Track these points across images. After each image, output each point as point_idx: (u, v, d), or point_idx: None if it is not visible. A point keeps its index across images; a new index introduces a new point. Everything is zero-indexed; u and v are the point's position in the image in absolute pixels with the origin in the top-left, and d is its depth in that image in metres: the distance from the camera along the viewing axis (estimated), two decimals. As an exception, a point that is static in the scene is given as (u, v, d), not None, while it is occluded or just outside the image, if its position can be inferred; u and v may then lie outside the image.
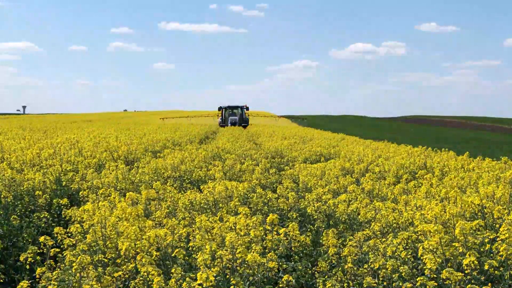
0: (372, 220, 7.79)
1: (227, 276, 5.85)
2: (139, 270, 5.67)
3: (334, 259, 6.65)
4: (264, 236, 6.81)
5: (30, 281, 5.81)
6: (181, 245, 6.54)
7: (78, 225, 7.17)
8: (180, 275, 5.44)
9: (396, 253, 6.19)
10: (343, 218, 8.48)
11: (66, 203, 9.74)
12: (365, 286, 5.78)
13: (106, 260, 6.27)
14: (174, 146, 23.59)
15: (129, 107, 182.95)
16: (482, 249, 6.12)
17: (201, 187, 9.78)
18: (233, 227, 6.88)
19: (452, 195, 7.77)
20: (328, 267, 6.56)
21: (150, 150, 20.61)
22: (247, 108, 63.70)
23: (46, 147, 17.30)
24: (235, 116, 61.82)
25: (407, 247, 6.38)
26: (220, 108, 63.57)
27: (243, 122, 60.88)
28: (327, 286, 5.71)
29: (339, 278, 6.16)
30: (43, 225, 9.01)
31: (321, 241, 7.20)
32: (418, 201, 8.31)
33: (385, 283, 5.91)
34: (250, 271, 5.85)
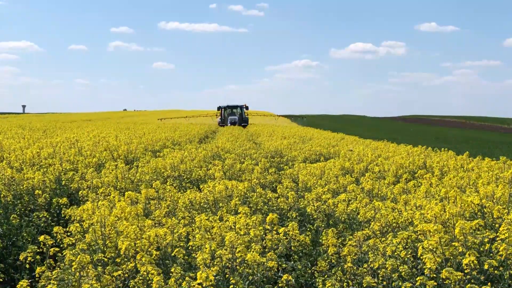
0: (372, 220, 7.79)
1: (227, 276, 5.86)
2: (138, 269, 5.66)
3: (333, 259, 6.65)
4: (263, 235, 6.81)
5: (30, 280, 5.81)
6: (181, 244, 6.55)
7: (78, 224, 7.17)
8: (179, 274, 5.45)
9: (395, 253, 6.20)
10: (343, 218, 8.48)
11: (66, 203, 9.75)
12: (364, 286, 5.78)
13: (105, 259, 6.27)
14: (173, 145, 23.60)
15: (128, 107, 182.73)
16: (481, 249, 6.12)
17: (201, 186, 9.78)
18: (232, 227, 6.89)
19: (452, 194, 7.77)
20: (328, 266, 6.56)
21: (149, 149, 20.62)
22: (247, 108, 63.52)
23: (46, 147, 17.31)
24: (234, 116, 61.63)
25: (406, 246, 6.38)
26: (219, 108, 63.38)
27: (243, 121, 60.69)
28: (326, 286, 5.71)
29: (339, 278, 6.16)
30: (42, 224, 9.01)
31: (320, 240, 7.20)
32: (417, 200, 8.32)
33: (384, 283, 5.91)
34: (250, 270, 5.86)
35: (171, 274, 5.50)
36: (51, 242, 6.60)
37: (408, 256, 6.18)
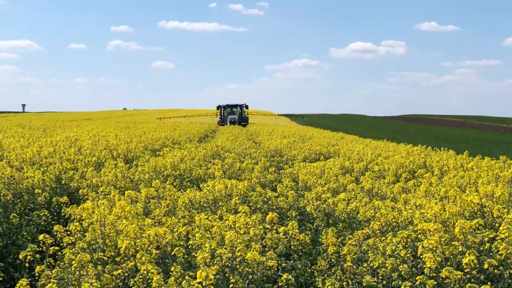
0: (372, 219, 7.79)
1: (227, 275, 5.86)
2: (138, 268, 5.67)
3: (333, 258, 6.65)
4: (263, 234, 6.81)
5: (30, 279, 5.81)
6: (181, 243, 6.55)
7: (78, 223, 7.17)
8: (179, 273, 5.45)
9: (395, 252, 6.20)
10: (343, 217, 8.48)
11: (66, 201, 9.75)
12: (364, 285, 5.78)
13: (105, 258, 6.28)
14: (173, 144, 23.60)
15: (128, 106, 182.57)
16: (481, 248, 6.12)
17: (201, 185, 9.78)
18: (232, 226, 6.89)
19: (452, 194, 7.77)
20: (328, 265, 6.56)
21: (149, 148, 20.63)
22: (247, 107, 63.30)
23: (46, 146, 17.31)
24: (234, 115, 61.43)
25: (406, 246, 6.38)
26: (219, 107, 63.16)
27: (243, 121, 60.41)
28: (326, 285, 5.71)
29: (339, 277, 6.16)
30: (42, 223, 9.01)
31: (320, 239, 7.20)
32: (417, 200, 8.32)
33: (384, 282, 5.91)
34: (250, 269, 5.86)
35: (171, 273, 5.51)
36: (51, 241, 6.60)
37: (408, 255, 6.18)
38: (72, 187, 11.55)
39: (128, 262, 5.97)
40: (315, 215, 8.73)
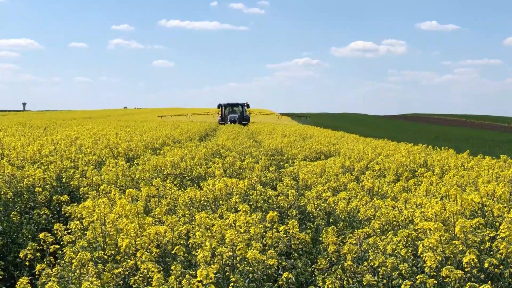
0: (372, 218, 7.80)
1: (227, 273, 5.86)
2: (139, 267, 5.67)
3: (333, 257, 6.65)
4: (264, 233, 6.81)
5: (30, 278, 5.81)
6: (181, 242, 6.55)
7: (78, 222, 7.17)
8: (180, 272, 5.45)
9: (396, 251, 6.20)
10: (343, 216, 8.48)
11: (66, 200, 9.76)
12: (364, 284, 5.78)
13: (105, 256, 6.28)
14: (174, 143, 23.60)
15: (129, 104, 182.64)
16: (482, 247, 6.12)
17: (201, 184, 9.79)
18: (233, 224, 6.89)
19: (452, 193, 7.76)
20: (328, 264, 6.56)
21: (150, 147, 20.63)
22: (248, 106, 63.16)
23: (46, 144, 17.32)
24: (234, 114, 61.24)
25: (407, 245, 6.38)
26: (219, 106, 62.99)
27: (244, 120, 60.14)
28: (326, 284, 5.71)
29: (339, 276, 6.15)
30: (43, 221, 9.01)
31: (320, 238, 7.20)
32: (418, 199, 8.32)
33: (384, 281, 5.91)
34: (250, 268, 5.86)
35: (171, 271, 5.51)
36: (51, 239, 6.60)
37: (408, 254, 6.18)
38: (72, 185, 11.55)
39: (129, 260, 5.97)
40: (315, 214, 8.73)
